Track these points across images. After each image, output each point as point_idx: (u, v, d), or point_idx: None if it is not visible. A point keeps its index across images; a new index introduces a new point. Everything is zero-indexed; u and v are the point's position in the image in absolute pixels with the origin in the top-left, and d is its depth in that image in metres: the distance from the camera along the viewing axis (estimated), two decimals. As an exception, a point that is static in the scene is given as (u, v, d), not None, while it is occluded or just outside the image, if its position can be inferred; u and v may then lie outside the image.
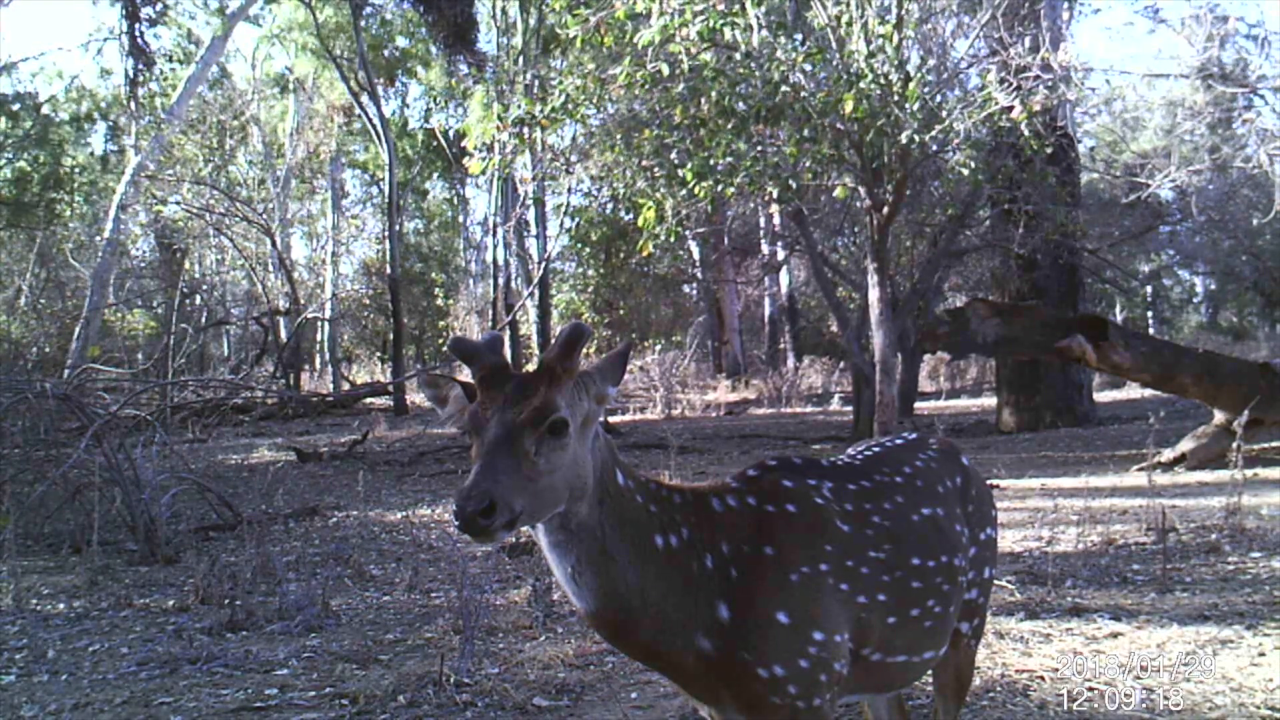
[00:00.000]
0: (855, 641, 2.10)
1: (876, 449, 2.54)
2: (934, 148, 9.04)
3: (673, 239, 10.00)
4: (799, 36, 9.53)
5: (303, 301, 21.31)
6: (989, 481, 7.61)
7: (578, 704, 3.61)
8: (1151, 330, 28.79)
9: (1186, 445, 8.33)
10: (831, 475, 2.28)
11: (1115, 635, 3.95)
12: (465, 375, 2.08)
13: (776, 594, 2.01)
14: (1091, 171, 16.91)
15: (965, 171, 9.04)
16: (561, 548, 1.98)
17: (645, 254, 10.92)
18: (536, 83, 12.01)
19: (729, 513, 2.09)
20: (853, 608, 2.09)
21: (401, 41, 23.61)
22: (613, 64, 8.92)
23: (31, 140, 18.18)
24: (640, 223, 9.68)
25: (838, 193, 9.57)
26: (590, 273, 24.20)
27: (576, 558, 1.97)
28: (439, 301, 27.10)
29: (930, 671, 2.65)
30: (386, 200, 19.30)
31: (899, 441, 2.61)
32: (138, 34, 18.20)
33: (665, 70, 8.31)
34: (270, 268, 22.97)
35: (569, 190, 15.80)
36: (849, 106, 8.00)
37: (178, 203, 21.62)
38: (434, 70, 23.38)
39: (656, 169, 9.52)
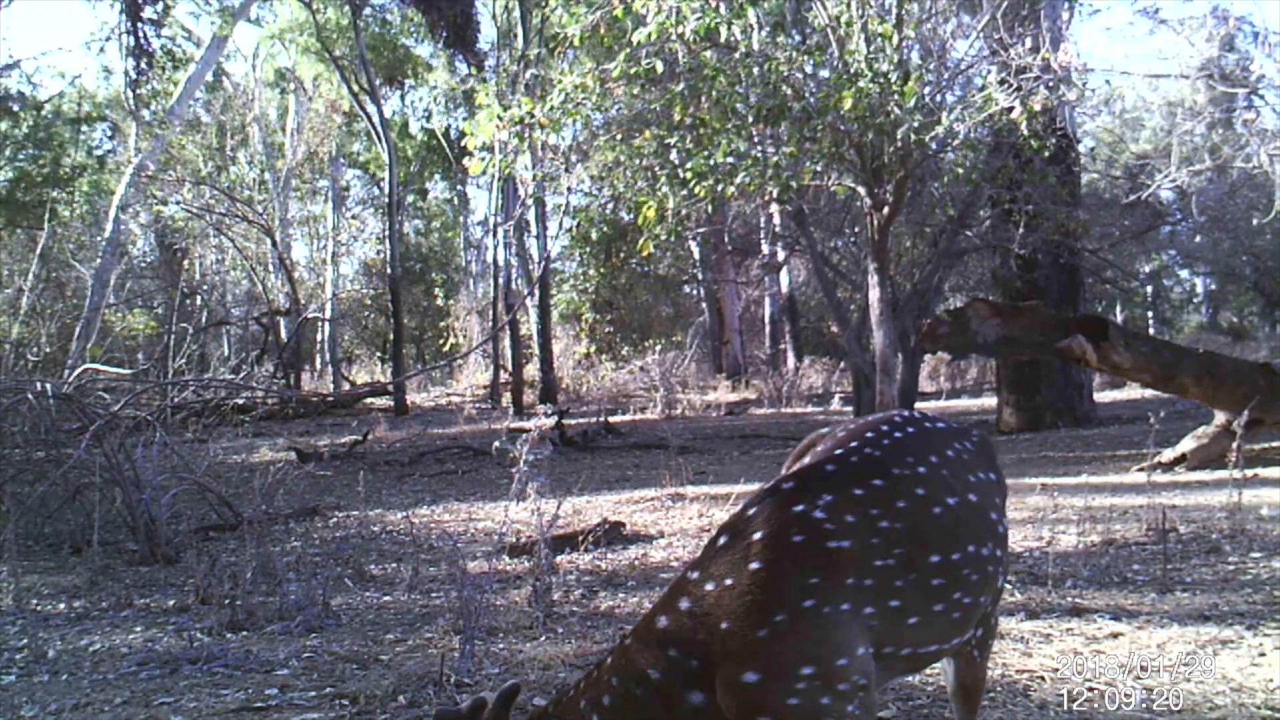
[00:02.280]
0: (875, 645, 2.07)
1: (911, 430, 2.39)
2: (934, 148, 9.04)
3: (673, 239, 10.01)
4: (798, 36, 9.54)
5: (303, 302, 21.31)
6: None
7: (578, 704, 3.61)
8: (1151, 330, 28.80)
9: (1187, 445, 8.33)
10: (834, 484, 2.16)
11: (1115, 635, 3.95)
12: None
13: (741, 660, 1.96)
14: (1091, 171, 16.92)
15: (963, 171, 9.05)
16: None
17: (645, 254, 10.94)
18: (537, 83, 12.02)
19: (677, 619, 2.05)
20: (860, 620, 2.03)
21: (403, 43, 23.61)
22: (611, 62, 8.93)
23: (31, 140, 18.18)
24: (640, 221, 9.70)
25: (835, 189, 9.59)
26: (590, 273, 24.21)
27: None
28: (439, 301, 27.11)
29: (941, 674, 2.65)
30: (387, 200, 19.32)
31: (940, 425, 2.47)
32: (140, 34, 18.20)
33: (659, 68, 8.32)
34: (270, 268, 22.97)
35: (569, 190, 15.81)
36: (847, 104, 8.01)
37: (178, 203, 21.63)
38: (436, 72, 23.41)
39: (657, 168, 9.53)
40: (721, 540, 2.12)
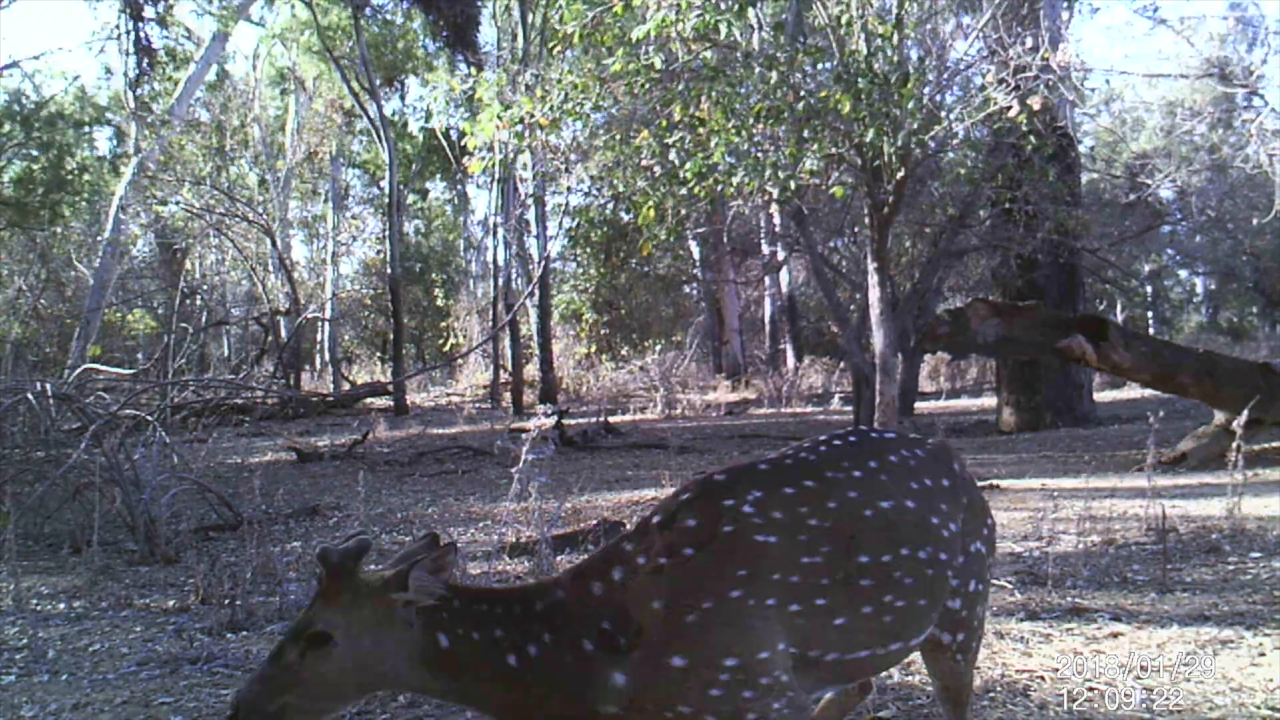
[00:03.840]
0: (799, 647, 2.08)
1: (852, 439, 2.44)
2: (934, 147, 9.04)
3: (672, 239, 10.00)
4: (803, 37, 9.53)
5: (303, 302, 21.31)
6: (990, 482, 7.64)
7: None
8: (1151, 330, 28.78)
9: (1187, 445, 8.33)
10: (764, 481, 2.22)
11: (1115, 635, 3.95)
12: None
13: (669, 643, 2.00)
14: (1091, 171, 16.92)
15: (963, 171, 9.04)
16: (437, 697, 2.51)
17: (645, 254, 10.94)
18: (537, 82, 12.04)
19: (610, 589, 2.09)
20: (784, 617, 2.05)
21: (404, 42, 23.62)
22: (610, 60, 8.92)
23: (34, 142, 18.18)
24: (640, 221, 9.69)
25: (834, 191, 9.58)
26: (590, 273, 24.20)
27: (445, 700, 2.41)
28: (439, 301, 27.11)
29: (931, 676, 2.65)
30: (387, 200, 19.32)
31: (887, 435, 2.53)
32: (141, 33, 18.19)
33: (658, 64, 8.31)
34: (270, 268, 22.97)
35: (569, 190, 15.82)
36: (845, 107, 8.01)
37: (178, 203, 21.64)
38: (437, 73, 23.43)
39: (656, 168, 9.52)
40: (655, 520, 2.19)
